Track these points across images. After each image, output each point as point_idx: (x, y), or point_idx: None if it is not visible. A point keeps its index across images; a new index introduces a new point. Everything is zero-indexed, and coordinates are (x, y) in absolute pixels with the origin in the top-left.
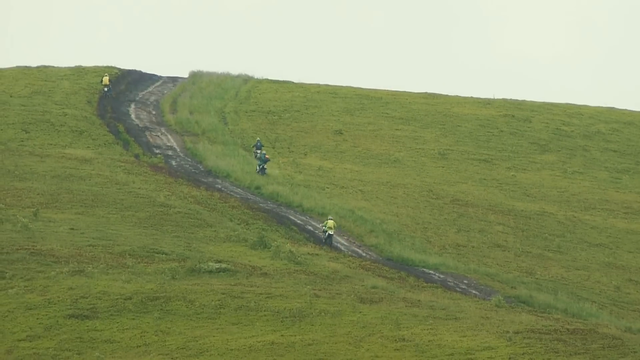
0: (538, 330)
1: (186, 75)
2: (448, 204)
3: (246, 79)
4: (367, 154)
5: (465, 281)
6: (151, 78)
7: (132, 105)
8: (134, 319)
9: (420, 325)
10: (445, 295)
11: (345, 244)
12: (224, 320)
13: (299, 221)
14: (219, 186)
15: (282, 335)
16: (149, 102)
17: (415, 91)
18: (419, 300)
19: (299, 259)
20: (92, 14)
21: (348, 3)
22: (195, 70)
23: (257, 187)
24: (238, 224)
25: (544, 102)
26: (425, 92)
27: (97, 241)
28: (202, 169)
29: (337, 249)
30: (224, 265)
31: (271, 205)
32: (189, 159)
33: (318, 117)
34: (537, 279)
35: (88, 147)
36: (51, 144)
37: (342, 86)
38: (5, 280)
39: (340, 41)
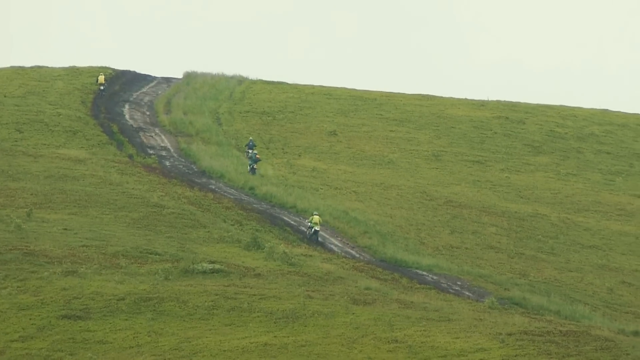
0: (531, 332)
1: (180, 76)
2: (442, 206)
3: (240, 80)
4: (361, 155)
5: (458, 283)
6: (145, 78)
7: (126, 106)
8: (126, 319)
9: (414, 327)
10: (439, 297)
11: (339, 245)
12: (217, 321)
13: (292, 222)
14: (213, 187)
15: (275, 337)
16: (143, 103)
17: (410, 93)
18: (412, 302)
19: (292, 260)
20: (87, 15)
21: (343, 5)
22: (190, 71)
23: (251, 188)
24: (232, 224)
25: (537, 104)
26: (420, 94)
27: (90, 242)
28: (196, 170)
29: (330, 250)
30: (217, 266)
31: (265, 206)
32: (183, 160)
33: (312, 118)
34: (530, 280)
35: (82, 147)
36: (45, 144)
37: (336, 87)
38: None
39: (335, 42)
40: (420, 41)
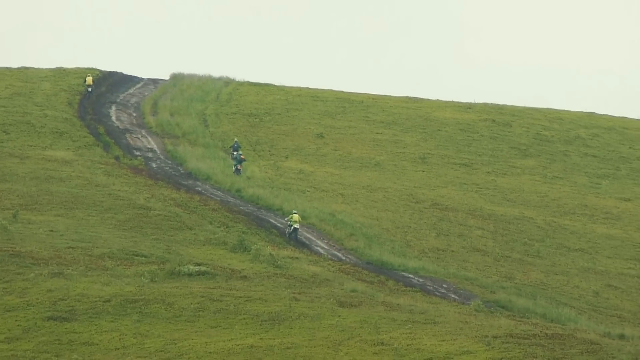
0: (517, 334)
1: (167, 77)
2: (428, 208)
3: (227, 82)
4: (348, 157)
5: (444, 285)
6: (132, 80)
7: (113, 107)
8: (112, 321)
9: (399, 329)
10: (425, 299)
11: (325, 247)
12: (203, 323)
13: (279, 224)
14: (199, 189)
15: (261, 339)
16: (129, 104)
17: (396, 95)
18: (398, 304)
19: (278, 262)
20: (74, 16)
21: (330, 7)
22: (177, 73)
23: (238, 190)
24: (218, 226)
25: (524, 107)
26: (406, 96)
27: (77, 243)
28: (183, 172)
29: (316, 252)
30: (203, 268)
31: (251, 208)
32: (169, 162)
33: (299, 120)
34: (516, 283)
35: (68, 148)
36: (31, 146)
37: (323, 89)
38: None
39: (322, 44)
40: (407, 44)
